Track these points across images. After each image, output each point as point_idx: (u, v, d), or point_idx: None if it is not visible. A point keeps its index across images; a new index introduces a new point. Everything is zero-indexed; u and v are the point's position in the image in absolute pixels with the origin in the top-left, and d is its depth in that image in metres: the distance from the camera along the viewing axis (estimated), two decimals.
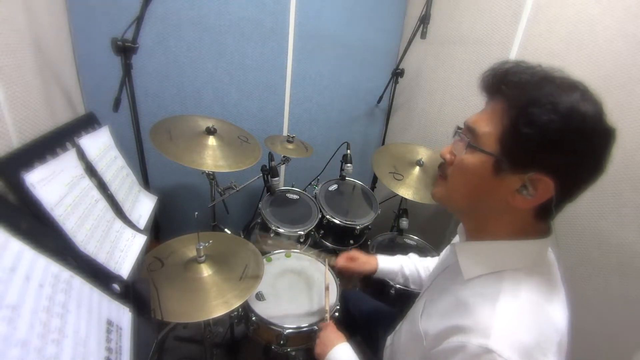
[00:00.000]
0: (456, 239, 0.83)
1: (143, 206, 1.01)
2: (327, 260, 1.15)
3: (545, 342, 0.49)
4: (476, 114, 0.59)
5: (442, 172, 0.63)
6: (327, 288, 1.06)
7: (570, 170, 0.49)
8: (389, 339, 0.91)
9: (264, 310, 1.02)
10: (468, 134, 0.58)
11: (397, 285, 1.26)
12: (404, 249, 1.56)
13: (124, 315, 0.62)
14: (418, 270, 1.05)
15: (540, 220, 0.56)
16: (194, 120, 1.24)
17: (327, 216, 1.46)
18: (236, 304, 0.84)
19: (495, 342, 0.47)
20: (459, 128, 0.62)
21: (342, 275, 1.12)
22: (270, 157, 1.40)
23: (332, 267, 1.13)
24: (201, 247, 0.91)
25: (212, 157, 1.12)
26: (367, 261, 1.07)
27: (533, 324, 0.50)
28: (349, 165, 1.60)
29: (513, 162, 0.51)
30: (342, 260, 1.09)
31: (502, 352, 0.46)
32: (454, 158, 0.60)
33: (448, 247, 0.94)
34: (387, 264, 1.07)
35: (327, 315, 0.96)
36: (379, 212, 1.57)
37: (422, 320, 0.66)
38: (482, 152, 0.54)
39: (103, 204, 0.80)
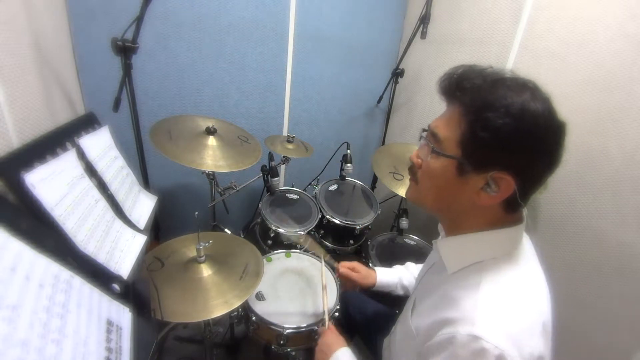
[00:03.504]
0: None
1: (143, 206, 1.01)
2: (323, 256, 1.13)
3: (529, 324, 0.51)
4: (437, 118, 0.61)
5: (413, 174, 0.66)
6: (324, 288, 1.05)
7: (527, 166, 0.52)
8: (385, 341, 0.91)
9: (264, 310, 1.02)
10: (431, 139, 0.60)
11: None
12: (404, 249, 1.56)
13: (124, 315, 0.62)
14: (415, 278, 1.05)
15: (509, 212, 0.59)
16: (194, 120, 1.24)
17: (327, 216, 1.46)
18: (236, 304, 0.84)
19: (480, 329, 0.49)
20: (424, 130, 0.65)
21: (342, 281, 1.12)
22: (270, 157, 1.40)
23: (334, 269, 1.12)
24: (201, 247, 0.91)
25: (212, 157, 1.12)
26: (367, 275, 1.06)
27: (515, 307, 0.52)
28: (349, 165, 1.60)
29: (474, 164, 0.54)
30: (345, 268, 1.07)
31: (489, 338, 0.47)
32: (421, 162, 0.63)
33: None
34: (385, 277, 1.06)
35: (326, 319, 0.95)
36: (379, 212, 1.57)
37: (413, 318, 0.68)
38: (445, 156, 0.57)
39: (103, 204, 0.80)
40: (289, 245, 1.40)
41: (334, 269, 1.13)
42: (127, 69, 1.03)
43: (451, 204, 0.61)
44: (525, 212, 0.62)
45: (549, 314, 0.55)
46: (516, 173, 0.51)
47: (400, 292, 1.06)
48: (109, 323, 0.57)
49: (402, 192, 1.44)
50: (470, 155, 0.54)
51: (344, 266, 1.07)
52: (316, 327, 0.99)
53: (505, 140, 0.50)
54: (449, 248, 0.65)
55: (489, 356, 0.47)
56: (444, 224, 0.69)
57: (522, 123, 0.49)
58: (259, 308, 1.02)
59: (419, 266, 1.08)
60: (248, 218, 1.69)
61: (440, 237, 0.73)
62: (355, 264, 1.08)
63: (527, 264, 0.59)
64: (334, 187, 1.68)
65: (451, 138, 0.56)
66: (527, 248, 0.63)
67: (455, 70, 0.58)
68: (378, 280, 1.05)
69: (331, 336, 0.88)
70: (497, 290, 0.54)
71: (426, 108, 1.93)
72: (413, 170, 0.66)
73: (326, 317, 0.96)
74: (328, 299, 1.03)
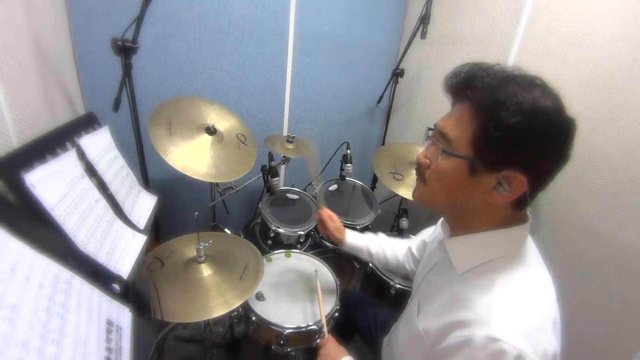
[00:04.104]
0: (437, 233, 0.84)
1: (143, 206, 1.01)
2: (317, 273, 1.14)
3: (542, 322, 0.52)
4: (445, 117, 0.61)
5: (420, 175, 0.65)
6: (320, 299, 1.04)
7: (539, 163, 0.52)
8: (385, 340, 0.91)
9: (264, 310, 1.02)
10: (440, 139, 0.59)
11: (397, 285, 1.27)
12: None
13: (124, 315, 0.62)
14: (384, 250, 1.06)
15: (517, 211, 0.59)
16: (198, 110, 1.22)
17: None
18: (236, 304, 0.84)
19: (498, 331, 0.49)
20: (429, 129, 0.64)
21: (343, 271, 1.12)
22: (270, 157, 1.40)
23: (317, 207, 1.12)
24: (201, 247, 0.91)
25: (205, 165, 1.11)
26: (340, 229, 1.09)
27: (529, 306, 0.52)
28: (349, 165, 1.60)
29: (487, 163, 0.54)
30: (324, 214, 1.10)
31: (507, 339, 0.48)
32: (429, 162, 0.62)
33: (424, 236, 0.96)
34: (354, 240, 1.08)
35: (325, 330, 0.96)
36: (379, 212, 1.57)
37: (420, 319, 0.67)
38: (456, 156, 0.56)
39: (103, 204, 0.80)
40: (289, 245, 1.40)
41: (317, 207, 1.14)
42: (127, 69, 1.03)
43: (462, 204, 0.61)
44: (529, 210, 0.62)
45: (557, 310, 0.55)
46: (528, 171, 0.51)
47: (367, 257, 1.08)
48: (109, 323, 0.57)
49: (402, 192, 1.44)
50: (482, 155, 0.54)
51: (325, 212, 1.10)
52: (316, 336, 1.00)
53: (518, 138, 0.50)
54: (458, 248, 0.64)
55: (508, 357, 0.47)
56: (451, 224, 0.68)
57: (534, 120, 0.49)
58: (259, 308, 1.02)
59: (391, 240, 1.09)
60: (248, 218, 1.69)
61: (443, 236, 0.72)
62: (334, 216, 1.11)
63: (534, 262, 0.60)
64: (334, 187, 1.68)
65: (462, 138, 0.55)
66: (532, 246, 0.63)
67: (462, 68, 0.57)
68: (347, 241, 1.07)
69: (332, 347, 0.88)
70: (510, 291, 0.54)
71: (426, 108, 1.93)
72: (420, 170, 0.65)
73: (325, 329, 0.96)
74: (325, 309, 1.03)
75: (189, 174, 1.05)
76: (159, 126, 1.08)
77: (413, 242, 1.02)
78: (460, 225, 0.65)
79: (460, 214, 0.64)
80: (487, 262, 0.58)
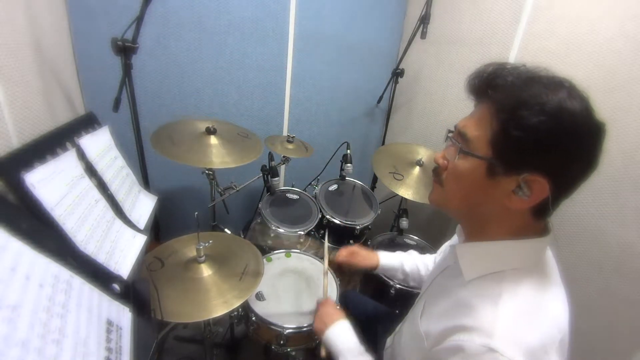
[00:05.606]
0: (454, 239, 0.83)
1: (143, 206, 1.01)
2: (326, 244, 1.14)
3: (547, 341, 0.49)
4: (466, 117, 0.59)
5: (437, 177, 0.63)
6: (325, 274, 1.06)
7: (563, 168, 0.49)
8: (388, 340, 0.91)
9: (264, 310, 1.02)
10: (459, 139, 0.58)
11: (397, 286, 1.27)
12: (404, 249, 1.56)
13: (124, 315, 0.62)
14: (418, 267, 1.05)
15: (538, 219, 0.56)
16: (193, 124, 1.24)
17: (327, 216, 1.46)
18: (236, 304, 0.84)
19: (498, 342, 0.47)
20: (450, 131, 0.63)
21: (342, 272, 1.11)
22: (270, 157, 1.40)
23: (332, 262, 1.10)
24: (201, 247, 0.91)
25: (216, 155, 1.13)
26: (368, 256, 1.06)
27: (535, 323, 0.50)
28: (349, 165, 1.60)
29: (506, 165, 0.52)
30: (343, 254, 1.07)
31: (505, 352, 0.46)
32: (447, 163, 0.60)
33: (445, 247, 0.94)
34: (388, 260, 1.06)
35: (325, 291, 0.96)
36: (379, 212, 1.57)
37: (422, 321, 0.66)
38: (474, 156, 0.55)
39: (103, 204, 0.80)
40: (289, 245, 1.40)
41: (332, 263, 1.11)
42: (127, 69, 1.03)
43: (478, 208, 0.58)
44: (551, 222, 0.59)
45: (567, 331, 0.53)
46: (550, 175, 0.49)
47: (401, 277, 1.06)
48: (109, 323, 0.57)
49: (402, 192, 1.44)
50: (501, 156, 0.51)
51: (341, 255, 1.06)
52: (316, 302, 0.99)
53: (540, 139, 0.47)
54: (469, 254, 0.62)
55: None
56: (466, 229, 0.66)
57: (559, 122, 0.46)
58: (259, 308, 1.03)
59: (423, 256, 1.07)
60: (248, 218, 1.69)
61: (458, 241, 0.70)
62: (354, 248, 1.07)
63: (548, 278, 0.57)
64: (334, 187, 1.68)
65: (481, 137, 0.53)
66: (550, 261, 0.60)
67: (485, 68, 0.56)
68: (381, 262, 1.05)
69: (331, 306, 0.88)
70: (517, 303, 0.52)
71: (426, 108, 1.93)
72: (437, 172, 0.63)
73: (326, 292, 0.96)
74: (328, 280, 1.03)
75: (201, 165, 1.08)
76: (161, 142, 1.11)
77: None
78: (475, 230, 0.63)
79: (476, 219, 0.61)
80: (497, 272, 0.56)
